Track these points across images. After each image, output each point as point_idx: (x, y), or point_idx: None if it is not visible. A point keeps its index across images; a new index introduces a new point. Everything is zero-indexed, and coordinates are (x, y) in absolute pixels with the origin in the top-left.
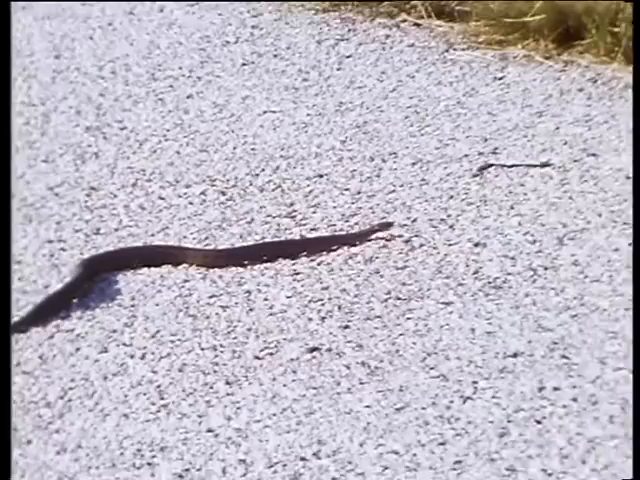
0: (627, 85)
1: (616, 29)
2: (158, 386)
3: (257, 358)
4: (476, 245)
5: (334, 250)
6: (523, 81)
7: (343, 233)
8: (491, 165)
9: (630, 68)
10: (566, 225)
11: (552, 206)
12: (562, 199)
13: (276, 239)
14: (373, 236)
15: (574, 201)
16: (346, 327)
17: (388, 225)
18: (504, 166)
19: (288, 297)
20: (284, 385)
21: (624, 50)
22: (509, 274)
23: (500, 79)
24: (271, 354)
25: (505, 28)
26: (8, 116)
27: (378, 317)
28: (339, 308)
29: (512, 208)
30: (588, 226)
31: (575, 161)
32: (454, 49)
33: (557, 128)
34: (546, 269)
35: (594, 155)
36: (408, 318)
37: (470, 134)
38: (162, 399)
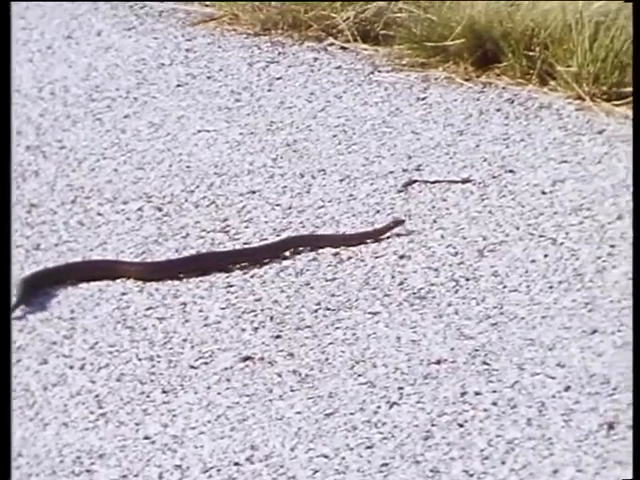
0: (542, 105)
1: (531, 53)
2: (97, 396)
3: (192, 367)
4: (401, 257)
5: (354, 245)
6: (444, 101)
7: (360, 231)
8: (415, 181)
9: (545, 89)
10: (486, 238)
11: (473, 220)
12: (482, 213)
13: (297, 234)
14: (388, 233)
15: (493, 215)
16: (278, 337)
17: (401, 222)
18: (427, 182)
19: (222, 309)
20: (218, 393)
21: (538, 72)
22: (433, 285)
23: (423, 99)
24: (206, 363)
25: (427, 51)
26: (8, 116)
27: (308, 327)
28: (271, 319)
29: (435, 222)
30: (507, 239)
31: (494, 177)
32: (379, 71)
33: (477, 146)
34: (467, 280)
35: (512, 171)
36: (337, 328)
37: (395, 152)
38: (101, 408)
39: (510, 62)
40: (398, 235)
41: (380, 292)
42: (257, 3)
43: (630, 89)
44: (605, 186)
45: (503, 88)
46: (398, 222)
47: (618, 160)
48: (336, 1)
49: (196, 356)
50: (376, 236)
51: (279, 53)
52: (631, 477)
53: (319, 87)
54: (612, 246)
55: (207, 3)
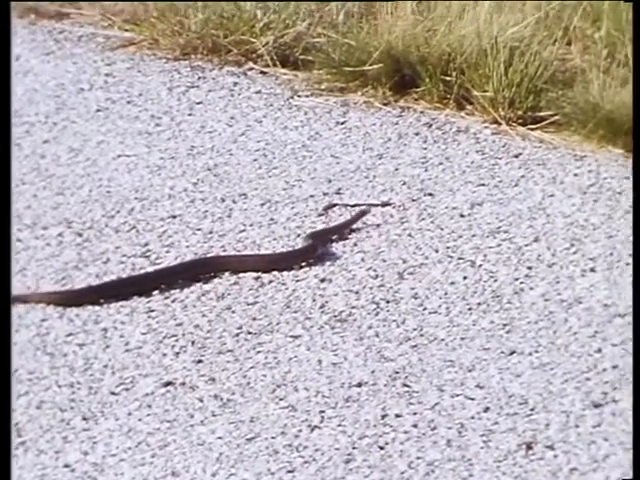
0: (459, 129)
1: (448, 78)
2: (16, 424)
3: (113, 394)
4: (322, 280)
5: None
6: (364, 125)
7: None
8: (335, 205)
9: (462, 113)
10: (406, 261)
11: (393, 243)
12: (402, 236)
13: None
14: (359, 223)
15: (413, 238)
16: (199, 361)
17: (365, 213)
18: (347, 206)
19: (143, 334)
20: (139, 419)
21: (455, 97)
22: (353, 308)
23: (342, 124)
24: (127, 389)
25: (346, 76)
26: (8, 118)
27: (230, 351)
28: (192, 343)
29: (355, 245)
30: (426, 261)
31: (413, 200)
32: (299, 96)
33: (396, 169)
34: (388, 302)
35: (431, 194)
36: (258, 351)
37: (315, 176)
38: (20, 437)
39: (427, 87)
40: (318, 259)
41: (301, 315)
42: (177, 28)
43: (545, 113)
44: (522, 209)
45: (421, 112)
46: (364, 212)
47: (534, 183)
48: (256, 19)
49: (117, 382)
50: (345, 228)
51: (199, 77)
52: (631, 477)
53: (239, 111)
54: (529, 268)
55: (127, 27)
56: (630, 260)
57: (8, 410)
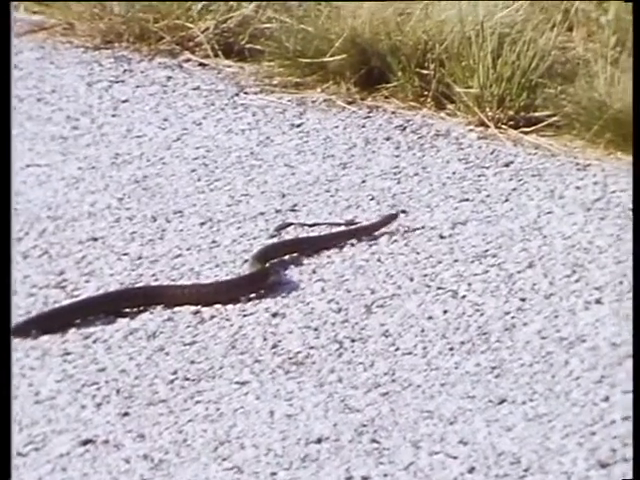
0: (438, 133)
1: (424, 71)
2: None
3: (20, 455)
4: (274, 315)
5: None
6: (324, 129)
7: (353, 227)
8: (290, 224)
9: (442, 113)
10: (375, 291)
11: (359, 270)
12: (370, 262)
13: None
14: (384, 229)
15: (383, 264)
16: (125, 414)
17: (394, 216)
18: (304, 225)
19: (57, 381)
20: None
21: (434, 94)
22: (312, 348)
23: (298, 126)
24: (37, 449)
25: (302, 69)
26: (8, 119)
27: (163, 401)
28: (117, 392)
29: (314, 272)
30: (399, 292)
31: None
32: (245, 93)
33: (363, 182)
34: (353, 341)
35: (404, 212)
36: (197, 402)
37: (266, 189)
38: None
39: (400, 82)
40: (270, 289)
41: (249, 357)
42: (97, 10)
43: (541, 113)
44: (513, 228)
45: (393, 113)
46: (393, 216)
47: (528, 197)
48: (193, 0)
49: (25, 441)
50: (371, 232)
51: (125, 70)
52: (631, 477)
53: (174, 112)
54: (522, 299)
55: (35, 9)
56: None
57: (8, 410)
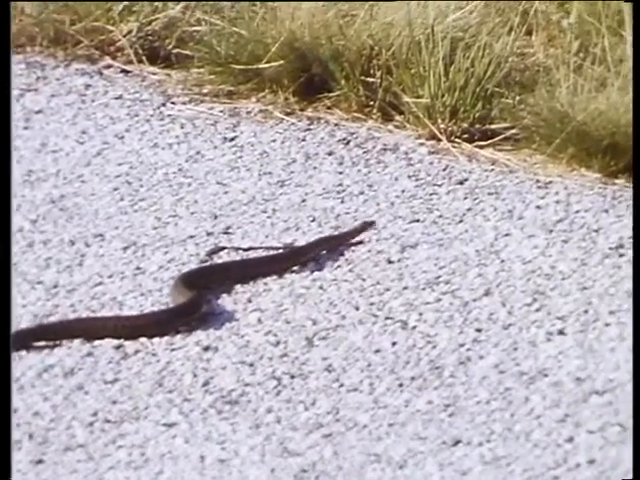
0: (386, 147)
1: (370, 79)
2: None
3: None
4: (206, 349)
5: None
6: (260, 142)
7: (327, 235)
8: (223, 248)
9: (390, 126)
10: (317, 322)
11: (299, 298)
12: (311, 289)
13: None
14: (358, 237)
15: (326, 292)
16: (39, 462)
17: (370, 224)
18: (239, 249)
19: None
20: None
21: (380, 104)
22: (247, 385)
23: (231, 140)
24: None
25: (235, 77)
26: (8, 120)
27: (81, 446)
28: (30, 437)
29: (250, 301)
30: (343, 322)
31: None
32: (173, 102)
33: (303, 201)
34: (293, 377)
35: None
36: (120, 446)
37: (196, 210)
38: None
39: (343, 91)
40: (201, 320)
41: (178, 396)
42: None
43: (498, 125)
44: (468, 252)
45: (336, 125)
46: (368, 224)
47: (484, 218)
48: (114, 0)
49: None
50: (344, 241)
51: (38, 78)
52: (631, 477)
53: (93, 124)
54: (478, 330)
55: None
56: (610, 319)
57: (8, 410)
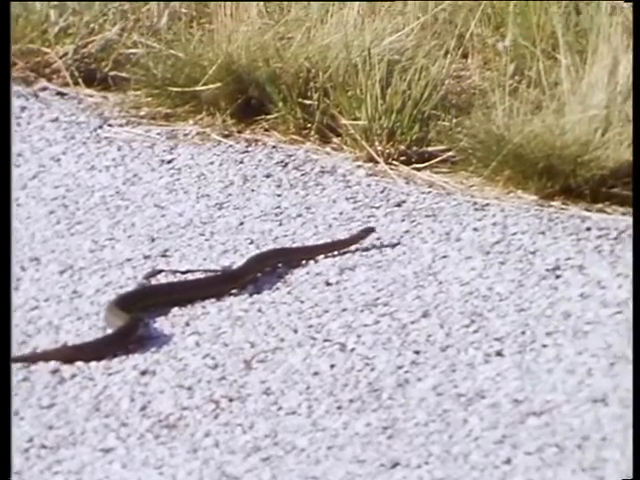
0: (323, 169)
1: (308, 101)
2: None
3: None
4: (143, 373)
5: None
6: (197, 165)
7: (327, 241)
8: (161, 271)
9: (328, 148)
10: (255, 344)
11: (237, 321)
12: (249, 312)
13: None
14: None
15: (264, 314)
16: None
17: (371, 230)
18: (177, 272)
19: None
20: None
21: (317, 127)
22: (185, 409)
23: (169, 162)
24: None
25: (172, 99)
26: (8, 120)
27: (17, 474)
28: None
29: (188, 325)
30: (281, 345)
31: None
32: (110, 125)
33: (241, 223)
34: (231, 400)
35: None
36: (56, 472)
37: (133, 232)
38: None
39: (281, 113)
40: (137, 343)
41: (115, 421)
42: None
43: (435, 148)
44: (406, 274)
45: (273, 147)
46: (368, 230)
47: (422, 240)
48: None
49: None
50: (343, 247)
51: None
52: (631, 477)
53: (29, 146)
54: (416, 352)
55: None
56: (547, 341)
57: (8, 409)
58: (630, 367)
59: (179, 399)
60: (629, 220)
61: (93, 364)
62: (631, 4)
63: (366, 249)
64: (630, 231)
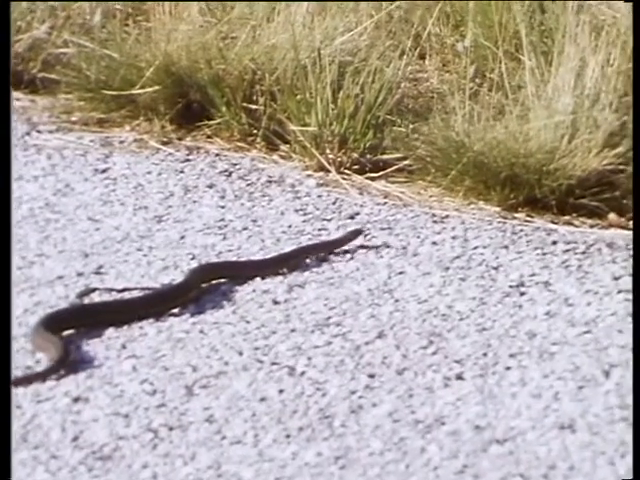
0: (271, 179)
1: (253, 106)
2: None
3: None
4: (75, 400)
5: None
6: (134, 174)
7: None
8: (95, 289)
9: (275, 156)
10: (197, 368)
11: (178, 343)
12: (191, 333)
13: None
14: (348, 245)
15: (207, 336)
16: None
17: (359, 232)
18: (112, 290)
19: None
20: None
21: (264, 133)
22: (121, 439)
23: (103, 172)
24: None
25: (107, 103)
26: (8, 121)
27: None
28: None
29: (124, 347)
30: (225, 369)
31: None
32: (38, 131)
33: (182, 237)
34: (171, 429)
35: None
36: None
37: (65, 248)
38: None
39: (225, 119)
40: (70, 368)
41: (44, 453)
42: None
43: (390, 156)
44: (360, 292)
45: (216, 155)
46: (357, 232)
47: (377, 255)
48: None
49: None
50: (333, 248)
51: None
52: (631, 477)
53: None
54: (371, 376)
55: None
56: (511, 363)
57: (8, 409)
58: (600, 389)
59: (114, 428)
60: (598, 233)
61: (21, 391)
62: (631, 4)
63: (316, 265)
64: (599, 245)
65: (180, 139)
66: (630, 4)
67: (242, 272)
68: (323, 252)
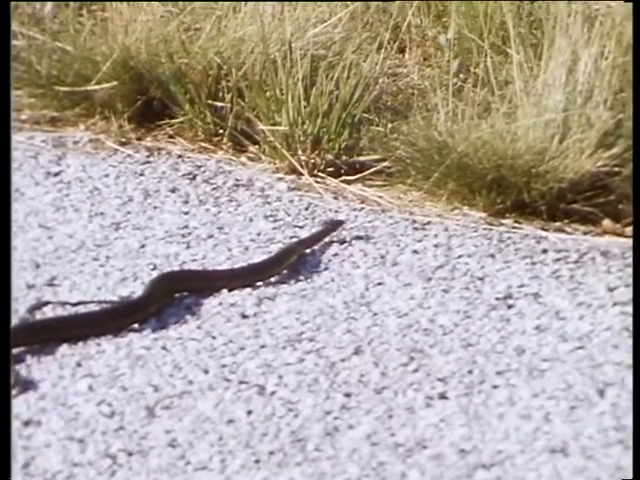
0: (238, 182)
1: (219, 103)
2: None
3: None
4: (26, 424)
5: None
6: (90, 178)
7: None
8: (47, 303)
9: (243, 157)
10: (159, 388)
11: (138, 361)
12: (152, 350)
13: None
14: (327, 238)
15: (170, 353)
16: None
17: (340, 223)
18: (66, 304)
19: None
20: None
21: (231, 133)
22: (76, 465)
23: (56, 175)
24: None
25: (60, 100)
26: (8, 121)
27: None
28: None
29: (79, 365)
30: (190, 388)
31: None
32: None
33: (142, 246)
34: (130, 455)
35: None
36: None
37: (14, 257)
38: None
39: (188, 117)
40: (22, 387)
41: None
42: None
43: (368, 157)
44: (335, 305)
45: (179, 157)
46: (338, 223)
47: (353, 265)
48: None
49: None
50: (311, 244)
51: None
52: (631, 477)
53: None
54: (347, 395)
55: None
56: (498, 381)
57: (8, 409)
58: (594, 410)
59: (69, 454)
60: (591, 240)
61: None
62: (631, 4)
63: (288, 276)
64: (593, 253)
65: (140, 139)
66: (630, 4)
67: (215, 284)
68: (302, 250)
